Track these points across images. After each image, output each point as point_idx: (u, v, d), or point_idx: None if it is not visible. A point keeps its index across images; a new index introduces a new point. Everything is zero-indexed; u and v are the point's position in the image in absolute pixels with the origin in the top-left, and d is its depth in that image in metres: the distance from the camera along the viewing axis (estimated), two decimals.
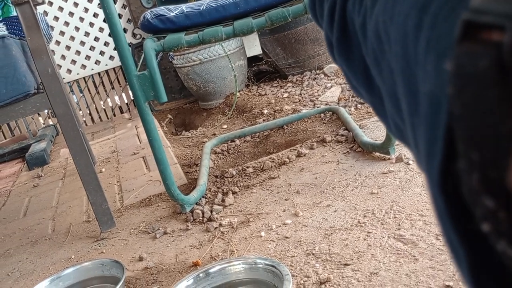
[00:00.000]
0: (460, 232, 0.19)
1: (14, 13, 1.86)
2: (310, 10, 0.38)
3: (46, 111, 3.22)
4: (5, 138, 3.53)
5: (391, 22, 0.25)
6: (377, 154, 1.64)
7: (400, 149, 1.60)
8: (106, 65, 3.53)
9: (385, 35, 0.26)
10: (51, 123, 3.57)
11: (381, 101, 0.29)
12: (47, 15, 3.35)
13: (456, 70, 0.18)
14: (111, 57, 3.50)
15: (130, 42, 3.46)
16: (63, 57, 3.46)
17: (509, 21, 0.16)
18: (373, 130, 1.91)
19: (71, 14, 3.41)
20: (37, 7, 2.27)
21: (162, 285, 1.26)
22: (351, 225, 1.28)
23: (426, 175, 0.21)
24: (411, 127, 0.24)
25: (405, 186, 1.40)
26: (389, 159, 1.59)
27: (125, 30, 3.46)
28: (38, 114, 3.63)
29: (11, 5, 1.77)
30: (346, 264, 1.13)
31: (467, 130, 0.18)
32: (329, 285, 1.07)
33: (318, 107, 2.38)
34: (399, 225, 1.22)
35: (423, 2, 0.23)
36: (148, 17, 1.58)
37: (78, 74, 3.50)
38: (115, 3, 3.23)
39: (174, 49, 1.51)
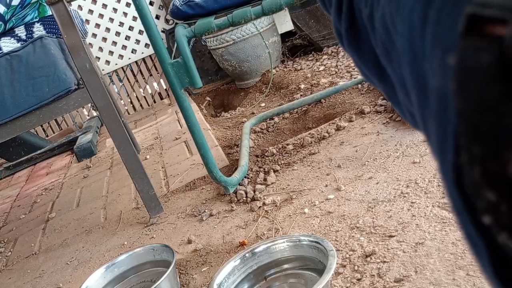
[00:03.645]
0: (479, 225, 0.19)
1: (50, 12, 1.91)
2: None
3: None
4: (54, 132, 3.66)
5: (396, 13, 0.25)
6: None
7: None
8: (143, 53, 3.58)
9: (392, 27, 0.26)
10: (95, 114, 3.68)
11: (394, 89, 0.29)
12: (81, 9, 3.42)
13: (459, 64, 0.18)
14: (147, 45, 3.55)
15: (164, 28, 3.49)
16: (101, 49, 3.53)
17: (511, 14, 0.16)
18: None
19: (104, 6, 3.46)
20: (71, 3, 2.32)
21: (211, 265, 1.30)
22: (394, 196, 1.28)
23: (440, 169, 0.21)
24: (422, 120, 0.24)
25: None
26: None
27: (157, 17, 3.50)
28: (82, 106, 3.74)
29: (46, 4, 1.82)
30: (390, 236, 1.13)
31: (469, 124, 0.18)
32: (374, 258, 1.07)
33: (355, 78, 2.35)
34: (443, 193, 1.20)
35: None
36: (177, 4, 1.59)
37: (116, 64, 3.57)
38: None
39: (205, 33, 1.52)
